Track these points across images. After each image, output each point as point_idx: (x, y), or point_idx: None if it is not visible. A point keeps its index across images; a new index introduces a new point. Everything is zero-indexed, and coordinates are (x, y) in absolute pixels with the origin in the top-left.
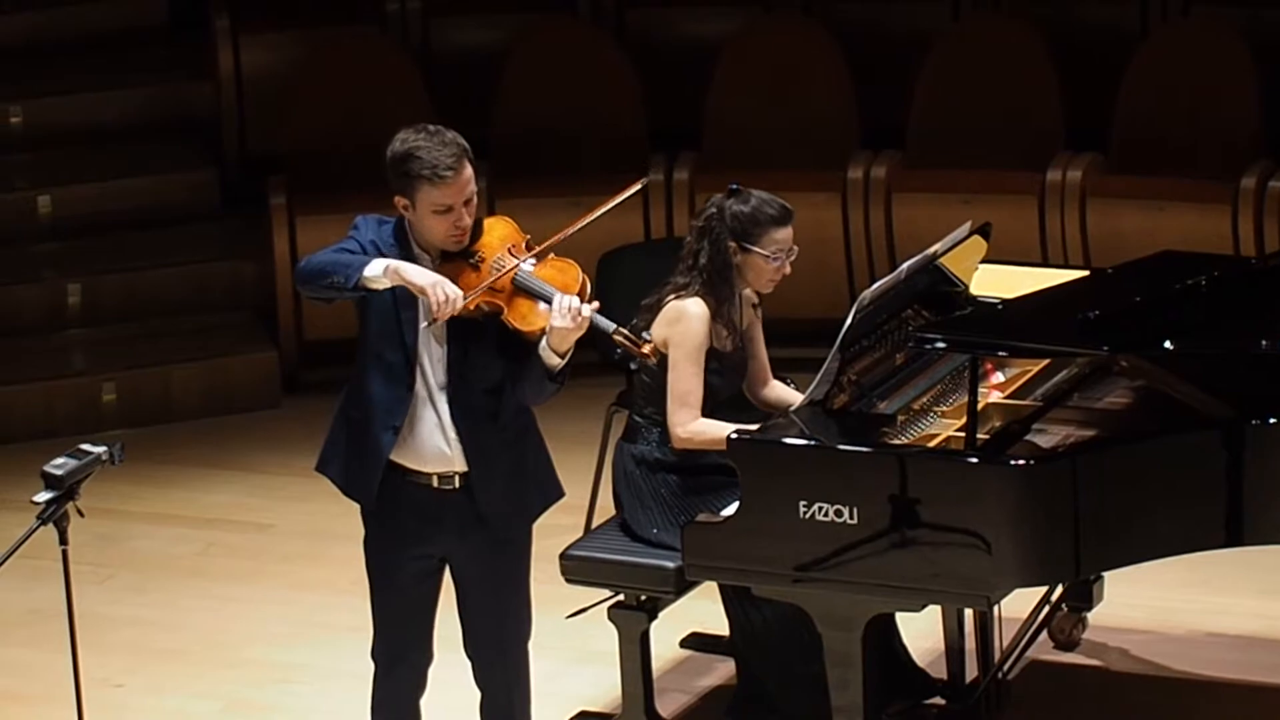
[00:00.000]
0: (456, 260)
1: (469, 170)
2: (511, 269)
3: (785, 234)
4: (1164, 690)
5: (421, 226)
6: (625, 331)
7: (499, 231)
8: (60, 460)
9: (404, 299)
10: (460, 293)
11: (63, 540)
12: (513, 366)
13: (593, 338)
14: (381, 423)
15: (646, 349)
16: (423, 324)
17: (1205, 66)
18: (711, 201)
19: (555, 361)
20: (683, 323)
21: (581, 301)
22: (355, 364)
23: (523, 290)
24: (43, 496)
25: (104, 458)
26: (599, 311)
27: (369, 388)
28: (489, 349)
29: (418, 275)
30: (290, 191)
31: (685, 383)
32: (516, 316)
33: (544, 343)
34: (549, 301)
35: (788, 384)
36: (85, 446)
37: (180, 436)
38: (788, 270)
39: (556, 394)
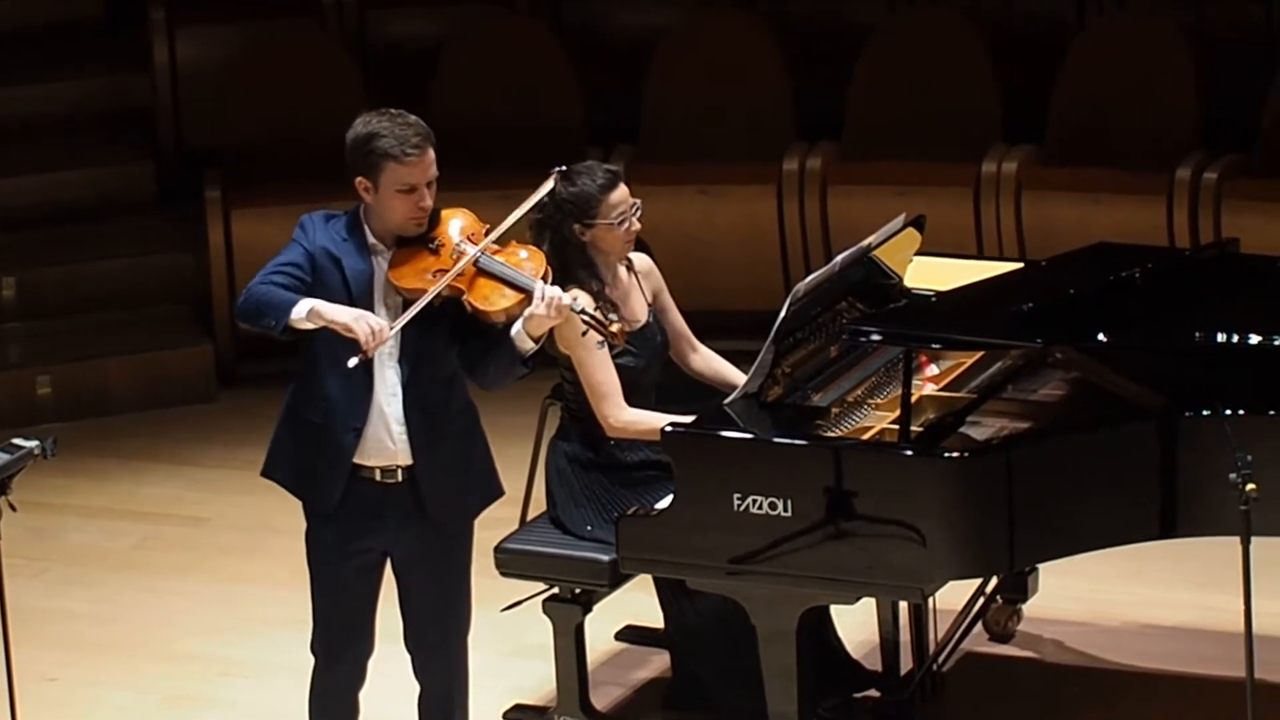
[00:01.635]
0: (414, 245)
1: (431, 152)
2: (474, 253)
3: (620, 194)
4: (1099, 682)
5: (383, 209)
6: (592, 312)
7: (457, 220)
8: None
9: (360, 299)
10: (385, 323)
11: None
12: (470, 352)
13: None
14: (342, 425)
15: (614, 328)
16: (351, 362)
17: (1141, 59)
18: (541, 195)
19: (529, 345)
20: (566, 320)
21: (546, 285)
22: (300, 364)
23: (487, 274)
24: None
25: (36, 452)
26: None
27: (324, 389)
28: (443, 338)
29: (339, 314)
30: (226, 185)
31: (595, 375)
32: (479, 298)
33: (518, 327)
34: (515, 286)
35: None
36: (17, 441)
37: (116, 430)
38: (637, 226)
39: (523, 378)
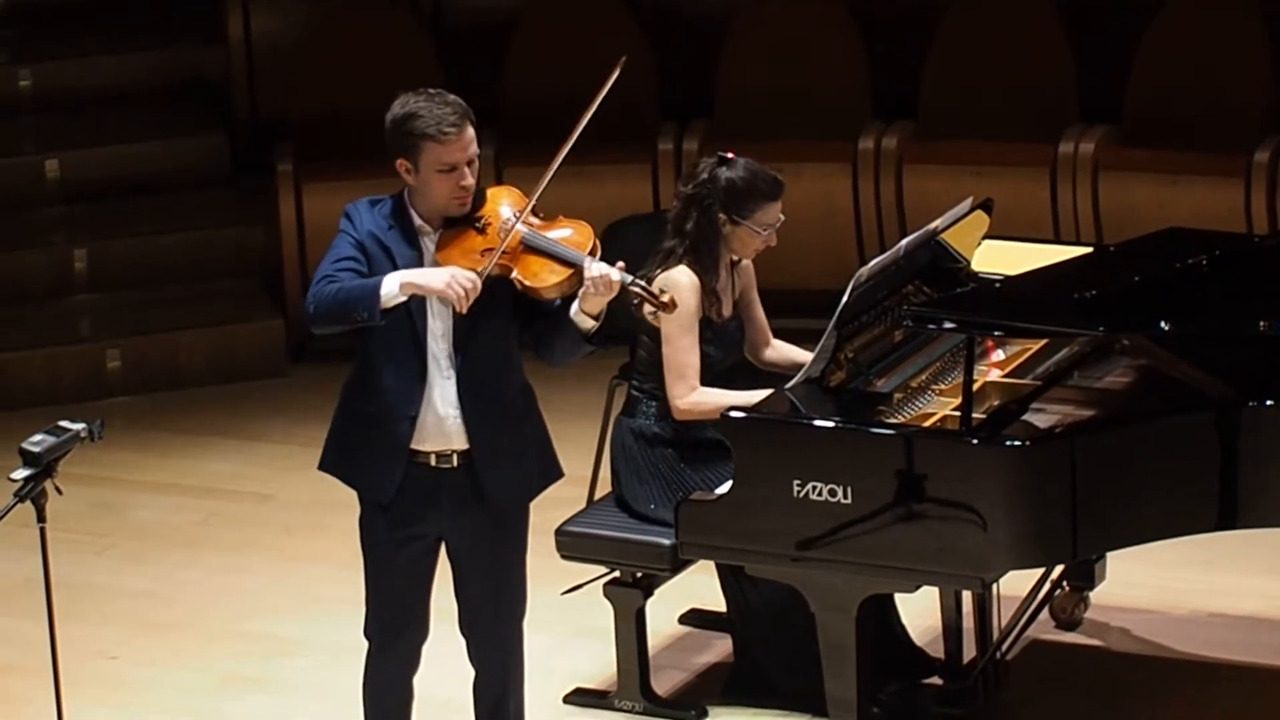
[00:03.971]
0: (460, 225)
1: (471, 130)
2: (516, 227)
3: (776, 209)
4: (1166, 670)
5: (425, 190)
6: (642, 283)
7: (503, 198)
8: (38, 437)
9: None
10: (475, 275)
11: (40, 518)
12: (534, 332)
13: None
14: (397, 414)
15: (665, 298)
16: (460, 314)
17: (1220, 39)
18: (702, 166)
19: (589, 324)
20: (673, 293)
21: (595, 258)
22: (356, 356)
23: (533, 249)
24: (20, 474)
25: (83, 435)
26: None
27: (379, 379)
28: (497, 320)
29: (430, 279)
30: (297, 158)
31: (681, 355)
32: (528, 274)
33: (575, 307)
34: (564, 260)
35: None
36: (64, 423)
37: (184, 404)
38: (773, 242)
39: (593, 355)
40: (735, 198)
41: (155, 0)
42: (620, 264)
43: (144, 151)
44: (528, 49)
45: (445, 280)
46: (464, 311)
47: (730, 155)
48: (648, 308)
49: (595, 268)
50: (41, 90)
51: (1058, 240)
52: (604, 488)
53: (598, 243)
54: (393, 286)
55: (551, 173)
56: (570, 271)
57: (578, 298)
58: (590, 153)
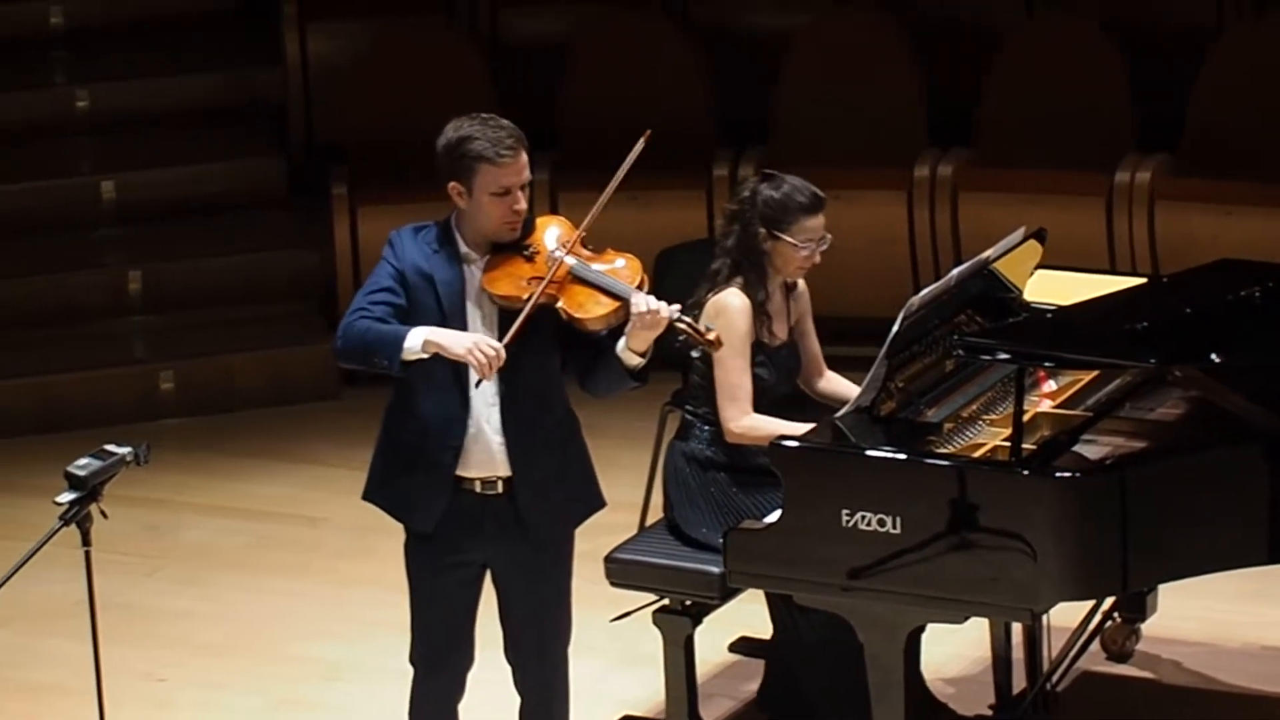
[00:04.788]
0: (508, 251)
1: (525, 155)
2: (564, 258)
3: (816, 223)
4: (1217, 704)
5: (477, 213)
6: (688, 320)
7: (552, 227)
8: (84, 461)
9: (453, 310)
10: (500, 345)
11: (85, 541)
12: (577, 362)
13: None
14: (439, 443)
15: (711, 336)
16: (473, 387)
17: (1278, 69)
18: (745, 184)
19: (635, 361)
20: (724, 316)
21: (645, 293)
22: (396, 383)
23: (581, 280)
24: (65, 497)
25: (128, 459)
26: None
27: (420, 407)
28: (541, 349)
29: (454, 344)
30: (353, 181)
31: (733, 377)
32: (573, 305)
33: (622, 344)
34: (611, 293)
35: None
36: (110, 447)
37: (237, 427)
38: (817, 259)
39: (636, 390)
40: (773, 212)
41: (213, 22)
42: (676, 306)
43: (200, 173)
44: (583, 72)
45: (467, 347)
46: (488, 379)
47: (772, 172)
48: (695, 346)
49: (643, 302)
50: (98, 111)
51: (1113, 270)
52: (655, 514)
53: (646, 277)
54: (416, 342)
55: (600, 205)
56: (617, 304)
57: (624, 333)
58: (644, 178)
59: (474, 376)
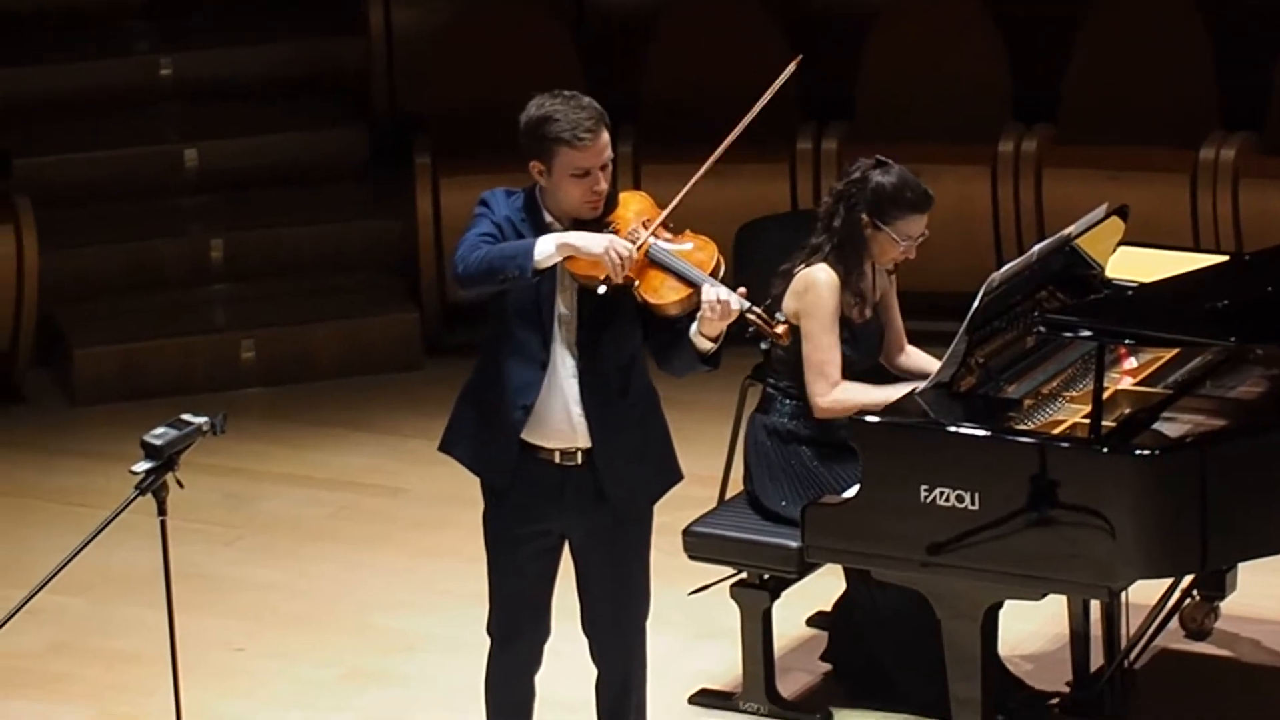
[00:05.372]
0: (590, 227)
1: (606, 135)
2: (646, 240)
3: (920, 222)
4: None
5: (557, 193)
6: (759, 311)
7: (634, 205)
8: (160, 430)
9: (544, 276)
10: (632, 246)
11: (161, 511)
12: (655, 343)
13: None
14: (513, 402)
15: (780, 329)
16: (599, 289)
17: None
18: (857, 165)
19: (707, 346)
20: (812, 292)
21: (717, 278)
22: (481, 352)
23: (657, 264)
24: (141, 466)
25: (205, 429)
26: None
27: (502, 367)
28: (621, 325)
29: (589, 242)
30: (435, 151)
31: (821, 352)
32: (649, 289)
33: (694, 329)
34: (685, 279)
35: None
36: (186, 417)
37: (318, 396)
38: (913, 255)
39: (709, 373)
40: (880, 202)
41: None
42: (741, 289)
43: (282, 142)
44: (668, 46)
45: (604, 245)
46: (618, 281)
47: (887, 160)
48: (763, 338)
49: (713, 291)
50: (182, 79)
51: (1196, 248)
52: (734, 488)
53: (722, 262)
54: (549, 246)
55: (689, 186)
56: (690, 291)
57: (696, 321)
58: (728, 151)
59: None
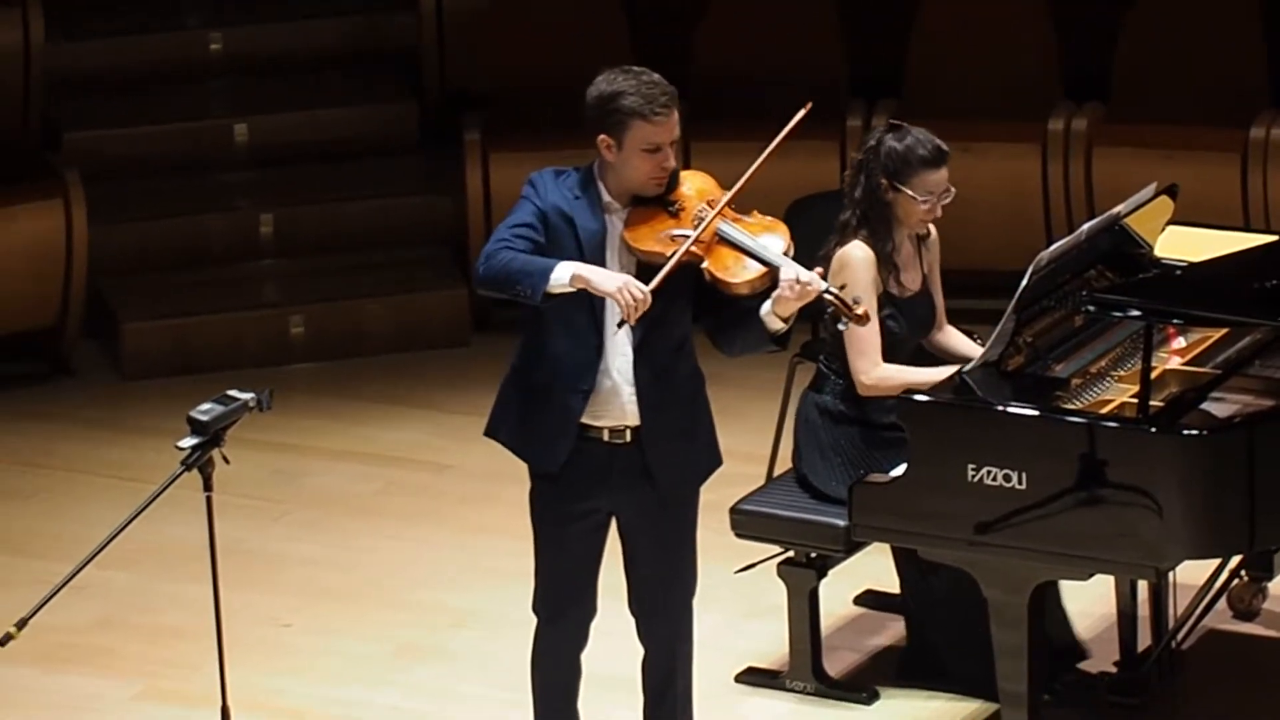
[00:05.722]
0: (652, 205)
1: (677, 113)
2: (713, 219)
3: (938, 177)
4: None
5: (625, 168)
6: (836, 291)
7: (696, 183)
8: (206, 406)
9: (592, 257)
10: (648, 290)
11: (207, 486)
12: (717, 322)
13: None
14: (568, 385)
15: (860, 310)
16: (611, 331)
17: None
18: (872, 134)
19: (779, 326)
20: (847, 269)
21: (791, 261)
22: (527, 324)
23: (728, 243)
24: (188, 442)
25: (251, 405)
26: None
27: (552, 348)
28: (678, 305)
29: (604, 282)
30: (486, 128)
31: (860, 330)
32: (719, 267)
33: (767, 307)
34: (758, 259)
35: (974, 339)
36: (233, 392)
37: (367, 372)
38: (939, 213)
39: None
40: (895, 163)
41: None
42: (818, 269)
43: (333, 117)
44: (718, 22)
45: (618, 285)
46: (631, 324)
47: (900, 123)
48: (841, 318)
49: (793, 272)
50: (232, 54)
51: (1247, 227)
52: (782, 466)
53: (792, 243)
54: (564, 275)
55: (755, 166)
56: (764, 271)
57: (770, 299)
58: (778, 129)
59: (611, 321)
